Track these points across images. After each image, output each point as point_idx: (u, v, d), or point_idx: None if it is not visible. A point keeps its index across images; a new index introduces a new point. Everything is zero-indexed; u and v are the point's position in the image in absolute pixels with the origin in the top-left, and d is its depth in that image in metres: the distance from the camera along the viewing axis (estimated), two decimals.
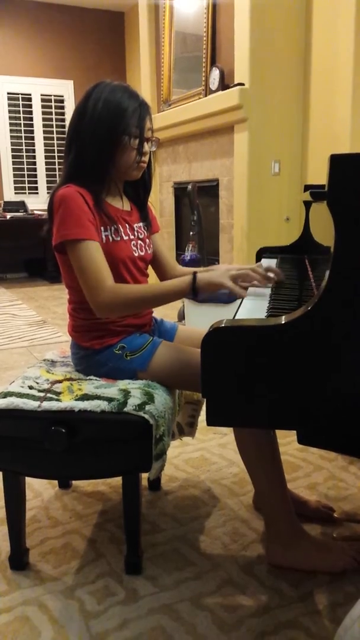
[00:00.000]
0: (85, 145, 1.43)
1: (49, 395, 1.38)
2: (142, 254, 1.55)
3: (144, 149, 1.47)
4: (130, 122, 1.42)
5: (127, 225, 1.51)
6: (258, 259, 2.00)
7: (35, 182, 6.92)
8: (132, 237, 1.52)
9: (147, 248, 1.58)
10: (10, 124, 6.72)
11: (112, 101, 1.41)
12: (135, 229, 1.54)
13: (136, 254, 1.52)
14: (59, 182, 1.47)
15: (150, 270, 1.66)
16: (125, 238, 1.49)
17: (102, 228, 1.44)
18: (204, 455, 2.03)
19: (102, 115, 1.41)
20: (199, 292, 1.37)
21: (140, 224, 1.57)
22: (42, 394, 1.38)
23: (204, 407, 1.71)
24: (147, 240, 1.59)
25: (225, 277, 1.36)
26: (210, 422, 1.05)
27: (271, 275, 1.49)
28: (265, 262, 1.91)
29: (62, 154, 6.05)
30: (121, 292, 1.38)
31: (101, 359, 1.49)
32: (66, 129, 1.51)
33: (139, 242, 1.54)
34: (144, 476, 1.43)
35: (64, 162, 1.50)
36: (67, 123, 7.02)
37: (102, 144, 1.42)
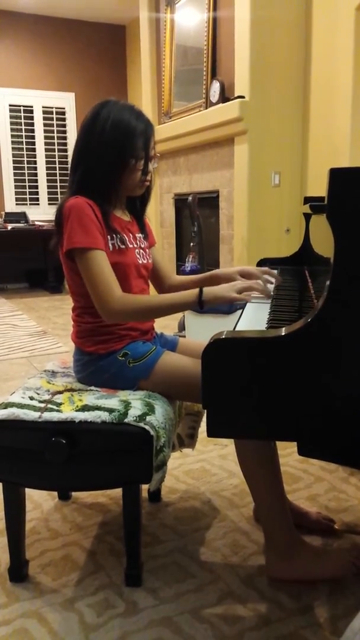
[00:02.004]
0: (92, 165, 1.47)
1: (49, 406, 1.38)
2: (145, 262, 1.59)
3: (148, 169, 1.51)
4: (137, 144, 1.46)
5: (130, 234, 1.56)
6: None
7: (37, 193, 6.96)
8: (135, 245, 1.56)
9: (148, 257, 1.62)
10: (12, 136, 6.77)
11: (121, 123, 1.45)
12: (138, 238, 1.59)
13: (140, 262, 1.56)
14: (66, 196, 1.50)
15: None
16: (130, 246, 1.54)
17: (108, 237, 1.47)
18: (204, 467, 2.02)
19: (110, 138, 1.44)
20: (204, 305, 1.41)
21: (141, 235, 1.62)
22: (42, 405, 1.38)
23: (204, 419, 1.71)
24: (147, 250, 1.63)
25: (231, 291, 1.42)
26: (211, 433, 1.05)
27: (271, 286, 1.55)
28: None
29: (64, 165, 6.07)
30: (130, 301, 1.42)
31: (105, 364, 1.50)
32: (73, 145, 1.53)
33: (141, 251, 1.59)
34: (144, 487, 1.43)
35: (70, 178, 1.53)
36: (68, 135, 7.10)
37: (109, 166, 1.46)
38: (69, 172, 1.55)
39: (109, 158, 1.45)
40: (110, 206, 1.51)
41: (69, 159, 7.48)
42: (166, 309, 1.45)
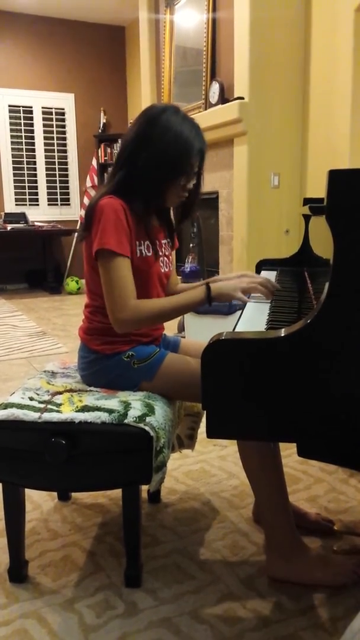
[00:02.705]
0: (139, 173, 1.43)
1: (49, 406, 1.38)
2: (167, 270, 1.59)
3: (189, 185, 1.50)
4: (192, 163, 1.44)
5: (157, 241, 1.54)
6: (258, 271, 2.01)
7: (36, 193, 6.96)
8: (160, 253, 1.55)
9: (170, 264, 1.62)
10: (12, 136, 6.76)
11: (181, 138, 1.41)
12: (163, 245, 1.58)
13: (162, 270, 1.56)
14: (101, 192, 1.46)
15: None
16: (157, 255, 1.52)
17: (136, 242, 1.46)
18: (203, 468, 2.02)
19: (168, 151, 1.40)
20: (212, 301, 1.43)
21: (166, 241, 1.60)
22: (42, 405, 1.38)
23: (203, 420, 1.71)
24: (170, 257, 1.63)
25: (236, 290, 1.44)
26: (211, 434, 1.06)
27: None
28: (264, 274, 1.92)
29: (63, 166, 6.03)
30: (143, 308, 1.41)
31: (110, 364, 1.50)
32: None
33: (165, 258, 1.58)
34: (144, 488, 1.43)
35: (110, 174, 1.50)
36: (68, 135, 7.09)
37: (159, 178, 1.43)
38: (113, 165, 1.50)
39: (161, 169, 1.42)
40: (147, 214, 1.49)
41: (69, 160, 7.44)
42: (177, 310, 1.45)
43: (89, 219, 1.43)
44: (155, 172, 1.42)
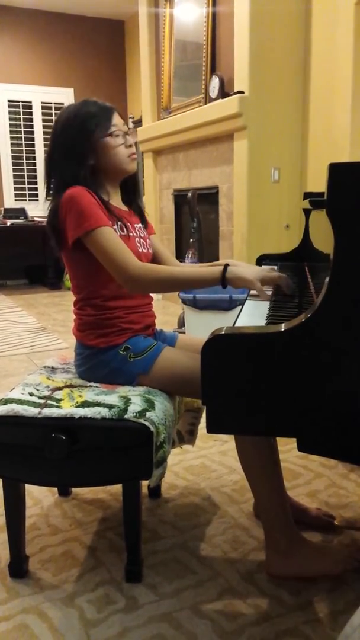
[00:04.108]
0: (70, 160, 1.47)
1: (49, 402, 1.38)
2: (145, 251, 1.60)
3: (128, 142, 1.53)
4: (102, 123, 1.48)
5: (129, 224, 1.56)
6: (258, 266, 2.01)
7: (36, 189, 6.94)
8: (135, 234, 1.57)
9: (148, 247, 1.63)
10: (11, 132, 6.75)
11: (79, 112, 1.49)
12: (137, 228, 1.60)
13: (140, 251, 1.56)
14: (57, 199, 1.49)
15: None
16: (131, 235, 1.54)
17: (110, 222, 1.48)
18: (204, 463, 2.02)
19: (74, 129, 1.47)
20: (227, 284, 1.38)
21: (140, 225, 1.63)
22: (42, 401, 1.38)
23: (204, 415, 1.71)
24: (148, 240, 1.64)
25: (255, 277, 1.37)
26: (211, 429, 1.05)
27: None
28: (266, 269, 1.91)
29: None
30: (152, 269, 1.42)
31: (105, 358, 1.50)
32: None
33: (142, 240, 1.59)
34: (144, 484, 1.43)
35: (48, 184, 1.55)
36: None
37: (85, 152, 1.48)
38: (45, 176, 1.55)
39: (75, 147, 1.47)
40: (105, 194, 1.52)
41: None
42: (187, 281, 1.44)
43: (56, 221, 1.46)
44: (77, 150, 1.47)
